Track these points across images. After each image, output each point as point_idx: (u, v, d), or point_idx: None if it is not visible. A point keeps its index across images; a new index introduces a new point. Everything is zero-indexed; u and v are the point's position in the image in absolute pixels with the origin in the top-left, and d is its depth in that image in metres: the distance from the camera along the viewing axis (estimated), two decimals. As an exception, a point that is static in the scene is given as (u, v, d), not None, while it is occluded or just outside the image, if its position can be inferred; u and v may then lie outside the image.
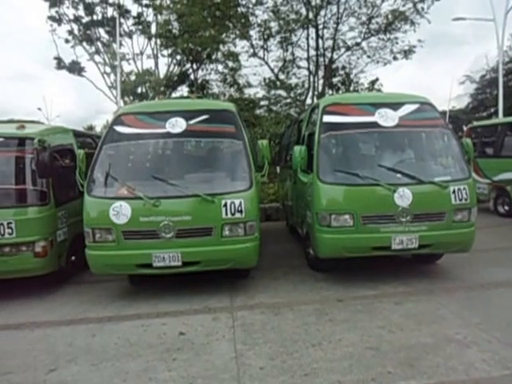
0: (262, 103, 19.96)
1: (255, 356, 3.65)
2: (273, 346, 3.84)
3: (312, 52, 17.20)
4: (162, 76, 26.50)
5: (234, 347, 3.84)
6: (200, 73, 29.23)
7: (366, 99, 6.30)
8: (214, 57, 27.51)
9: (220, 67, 29.17)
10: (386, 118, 5.58)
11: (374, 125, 5.54)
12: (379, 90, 16.90)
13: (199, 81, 29.38)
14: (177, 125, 5.38)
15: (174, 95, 27.67)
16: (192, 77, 29.04)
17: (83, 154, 5.37)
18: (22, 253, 5.18)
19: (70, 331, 4.39)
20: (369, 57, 17.23)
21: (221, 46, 22.68)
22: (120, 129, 5.46)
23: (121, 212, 4.90)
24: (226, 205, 4.92)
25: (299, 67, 18.25)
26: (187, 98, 7.13)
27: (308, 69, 17.67)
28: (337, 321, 4.33)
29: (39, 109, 33.29)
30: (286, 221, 9.74)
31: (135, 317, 4.70)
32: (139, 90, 25.86)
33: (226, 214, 4.92)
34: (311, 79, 17.68)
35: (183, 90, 29.23)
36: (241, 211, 4.94)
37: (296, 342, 3.87)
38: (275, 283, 5.70)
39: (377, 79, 17.42)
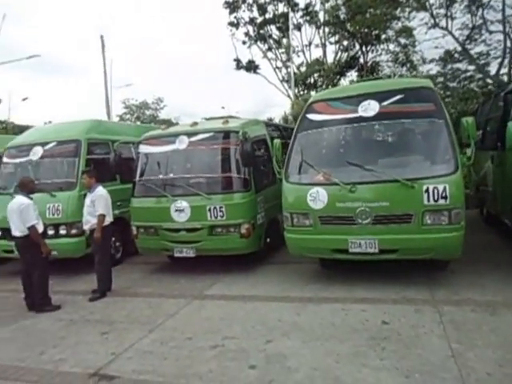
0: (438, 80, 18.06)
1: (477, 359, 3.30)
2: (497, 350, 3.40)
3: (510, 11, 14.72)
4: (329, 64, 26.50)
5: (449, 345, 3.54)
6: (370, 55, 28.28)
7: None
8: (383, 36, 26.19)
9: (391, 46, 27.52)
10: None
11: None
12: None
13: (369, 63, 28.41)
14: (369, 108, 5.22)
15: (342, 82, 27.40)
16: (361, 60, 28.27)
17: (279, 144, 5.70)
18: (230, 233, 5.84)
19: (276, 307, 4.75)
20: None
21: (393, 24, 21.38)
22: (312, 116, 5.58)
23: (318, 198, 5.02)
24: (427, 190, 4.57)
25: (491, 32, 15.86)
26: (377, 78, 6.87)
27: (504, 32, 15.17)
28: None
29: (223, 107, 37.08)
30: (481, 209, 8.62)
31: (333, 300, 4.79)
32: (310, 80, 26.40)
33: (428, 200, 4.58)
34: (508, 44, 15.15)
35: (352, 75, 28.68)
36: (445, 197, 4.53)
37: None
38: (481, 279, 5.08)
39: None
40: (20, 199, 5.10)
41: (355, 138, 5.66)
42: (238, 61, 29.07)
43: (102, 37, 25.74)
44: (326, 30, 27.51)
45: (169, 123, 27.97)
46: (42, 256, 5.16)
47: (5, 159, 7.29)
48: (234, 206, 5.82)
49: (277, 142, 5.72)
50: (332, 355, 3.53)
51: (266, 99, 55.85)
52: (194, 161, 6.36)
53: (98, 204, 5.49)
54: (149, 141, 6.56)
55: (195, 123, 6.51)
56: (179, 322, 4.47)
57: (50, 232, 6.33)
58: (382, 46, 27.77)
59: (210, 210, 5.78)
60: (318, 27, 27.40)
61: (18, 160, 7.21)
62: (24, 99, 30.90)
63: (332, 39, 27.77)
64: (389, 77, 20.29)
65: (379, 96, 5.25)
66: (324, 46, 27.90)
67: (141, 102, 40.93)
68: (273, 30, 28.01)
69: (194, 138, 6.17)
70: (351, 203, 4.86)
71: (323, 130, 5.58)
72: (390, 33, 26.02)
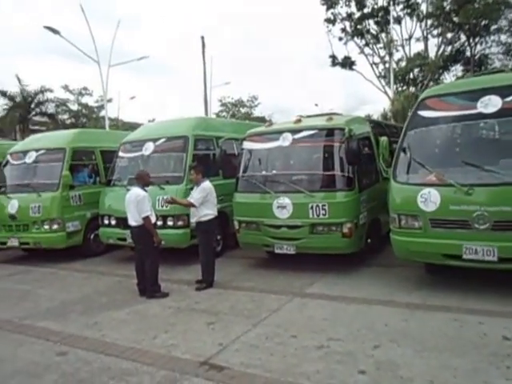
0: None
1: None
2: None
3: None
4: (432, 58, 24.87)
5: None
6: (477, 48, 25.99)
7: None
8: (494, 27, 23.89)
9: (503, 37, 25.09)
10: None
11: None
12: None
13: (476, 57, 26.10)
14: (490, 103, 4.74)
15: (446, 77, 25.58)
16: (468, 53, 26.10)
17: (386, 142, 5.43)
18: (332, 232, 5.70)
19: (381, 311, 4.52)
20: None
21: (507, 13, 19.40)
22: (424, 113, 5.24)
23: (429, 199, 4.70)
24: None
25: None
26: (499, 71, 6.21)
27: None
28: None
29: (316, 105, 36.83)
30: None
31: (444, 309, 4.43)
32: (410, 76, 25.02)
33: None
34: None
35: (457, 69, 26.61)
36: None
37: None
38: None
39: None
40: (137, 191, 5.50)
41: (473, 136, 5.19)
42: (333, 57, 28.59)
43: (202, 38, 27.01)
44: (429, 22, 25.88)
45: (262, 121, 28.50)
46: (153, 245, 5.52)
47: (120, 153, 7.94)
48: (336, 204, 5.67)
49: (384, 139, 5.47)
50: (449, 369, 3.24)
51: (358, 96, 54.46)
52: (297, 158, 6.33)
53: (196, 194, 5.68)
54: (253, 137, 6.67)
55: (299, 120, 6.47)
56: (282, 319, 4.45)
57: (159, 223, 6.74)
58: (492, 38, 25.41)
59: (312, 207, 5.70)
60: (419, 20, 25.87)
61: (131, 154, 7.81)
62: (131, 98, 33.73)
63: (435, 32, 26.06)
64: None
65: (502, 91, 4.73)
66: (426, 39, 26.28)
67: (236, 100, 42.28)
68: (371, 25, 27.07)
69: (297, 135, 6.13)
70: (467, 206, 4.48)
71: (436, 128, 5.22)
72: (503, 22, 23.66)
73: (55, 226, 7.53)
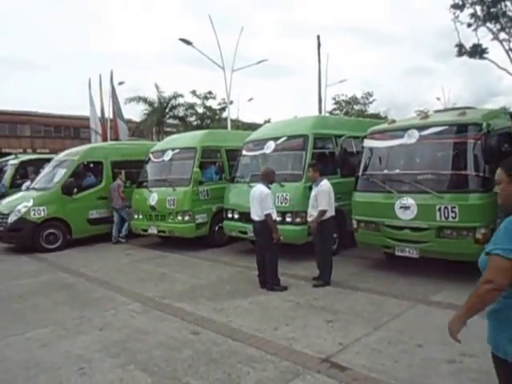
0: None
1: None
2: None
3: None
4: None
5: None
6: None
7: None
8: None
9: None
10: None
11: None
12: None
13: None
14: None
15: None
16: None
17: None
18: (462, 237, 5.26)
19: None
20: None
21: None
22: None
23: None
24: None
25: None
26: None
27: None
28: None
29: (438, 98, 34.06)
30: None
31: None
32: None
33: None
34: None
35: None
36: None
37: None
38: None
39: None
40: (261, 188, 5.79)
41: None
42: (460, 46, 25.92)
43: (318, 37, 26.93)
44: None
45: (377, 118, 27.30)
46: (273, 240, 5.75)
47: (243, 152, 8.41)
48: (469, 207, 5.22)
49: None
50: None
51: (486, 87, 48.61)
52: (423, 156, 5.98)
53: (321, 199, 5.73)
54: (375, 135, 6.48)
55: (426, 116, 6.10)
56: (405, 325, 4.28)
57: (278, 219, 6.99)
58: None
59: (439, 209, 5.33)
60: None
61: (253, 153, 8.22)
62: (249, 100, 35.33)
63: None
64: None
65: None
66: None
67: (350, 98, 41.30)
68: (508, 6, 23.78)
69: (425, 132, 5.78)
70: None
71: None
72: None
73: (187, 218, 8.34)
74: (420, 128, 5.87)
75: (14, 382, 3.47)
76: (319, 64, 26.77)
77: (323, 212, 5.72)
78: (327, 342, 3.95)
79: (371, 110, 40.86)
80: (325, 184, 5.85)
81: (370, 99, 41.19)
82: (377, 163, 6.40)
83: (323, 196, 5.73)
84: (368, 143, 6.52)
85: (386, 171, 6.19)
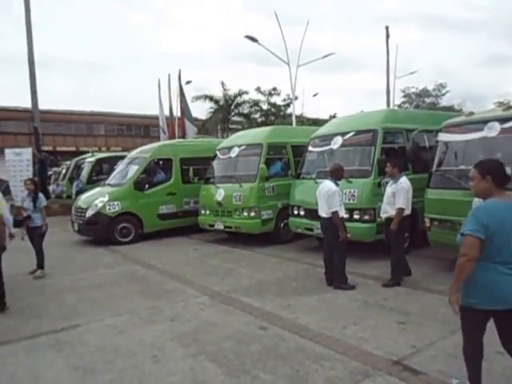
0: None
1: None
2: None
3: None
4: None
5: None
6: None
7: None
8: None
9: None
10: None
11: None
12: None
13: None
14: None
15: None
16: None
17: None
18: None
19: None
20: None
21: None
22: None
23: None
24: None
25: None
26: None
27: None
28: None
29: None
30: None
31: None
32: None
33: None
34: None
35: None
36: None
37: None
38: None
39: None
40: (328, 184, 5.68)
41: None
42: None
43: (387, 28, 25.92)
44: None
45: (450, 111, 25.67)
46: (340, 239, 5.62)
47: (309, 148, 8.31)
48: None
49: None
50: None
51: None
52: (505, 150, 5.49)
53: (399, 197, 5.49)
54: (450, 128, 6.08)
55: (509, 107, 5.60)
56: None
57: (345, 216, 6.82)
58: None
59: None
60: None
61: (320, 149, 8.09)
62: (314, 95, 34.86)
63: None
64: None
65: None
66: None
67: (421, 90, 39.27)
68: None
69: (507, 125, 5.30)
70: None
71: None
72: None
73: (252, 214, 8.43)
74: (502, 120, 5.40)
75: (95, 365, 3.72)
76: (387, 55, 25.83)
77: (402, 210, 5.50)
78: (399, 344, 3.79)
79: (444, 102, 38.53)
80: (404, 181, 5.59)
81: (443, 91, 38.90)
82: (452, 158, 6.01)
83: (402, 194, 5.50)
84: (443, 137, 6.13)
85: (462, 167, 5.78)
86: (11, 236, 6.48)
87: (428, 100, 39.21)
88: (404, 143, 7.29)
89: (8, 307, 5.40)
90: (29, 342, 4.33)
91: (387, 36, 25.83)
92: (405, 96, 39.42)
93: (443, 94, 39.11)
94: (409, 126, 7.53)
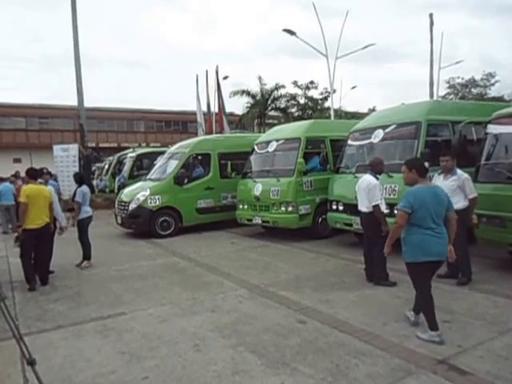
0: None
1: None
2: None
3: None
4: None
5: None
6: None
7: None
8: None
9: None
10: None
11: None
12: None
13: None
14: None
15: None
16: None
17: None
18: None
19: None
20: None
21: None
22: None
23: None
24: None
25: None
26: None
27: None
28: None
29: None
30: None
31: None
32: None
33: None
34: None
35: None
36: None
37: None
38: None
39: None
40: (369, 178, 5.57)
41: None
42: None
43: (430, 15, 24.96)
44: None
45: (500, 101, 24.43)
46: (382, 233, 5.49)
47: (349, 141, 8.17)
48: None
49: None
50: None
51: None
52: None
53: (469, 187, 5.26)
54: (502, 119, 5.77)
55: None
56: (539, 333, 3.79)
57: (386, 211, 6.65)
58: None
59: None
60: None
61: (360, 142, 7.93)
62: (352, 88, 34.19)
63: None
64: None
65: None
66: None
67: (467, 80, 37.52)
68: None
69: None
70: None
71: None
72: None
73: (290, 209, 8.40)
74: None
75: (141, 351, 3.85)
76: (431, 44, 24.82)
77: (475, 201, 5.29)
78: (444, 343, 3.67)
79: (493, 92, 36.56)
80: (462, 172, 5.31)
81: (492, 81, 36.90)
82: (503, 151, 5.72)
83: (470, 183, 5.26)
84: (493, 129, 5.84)
85: (513, 160, 5.51)
86: (62, 229, 6.82)
87: (475, 90, 37.37)
88: (450, 136, 7.01)
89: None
90: (78, 327, 4.54)
91: (431, 24, 24.80)
92: (449, 87, 37.78)
93: (492, 84, 37.12)
94: (455, 117, 7.20)
